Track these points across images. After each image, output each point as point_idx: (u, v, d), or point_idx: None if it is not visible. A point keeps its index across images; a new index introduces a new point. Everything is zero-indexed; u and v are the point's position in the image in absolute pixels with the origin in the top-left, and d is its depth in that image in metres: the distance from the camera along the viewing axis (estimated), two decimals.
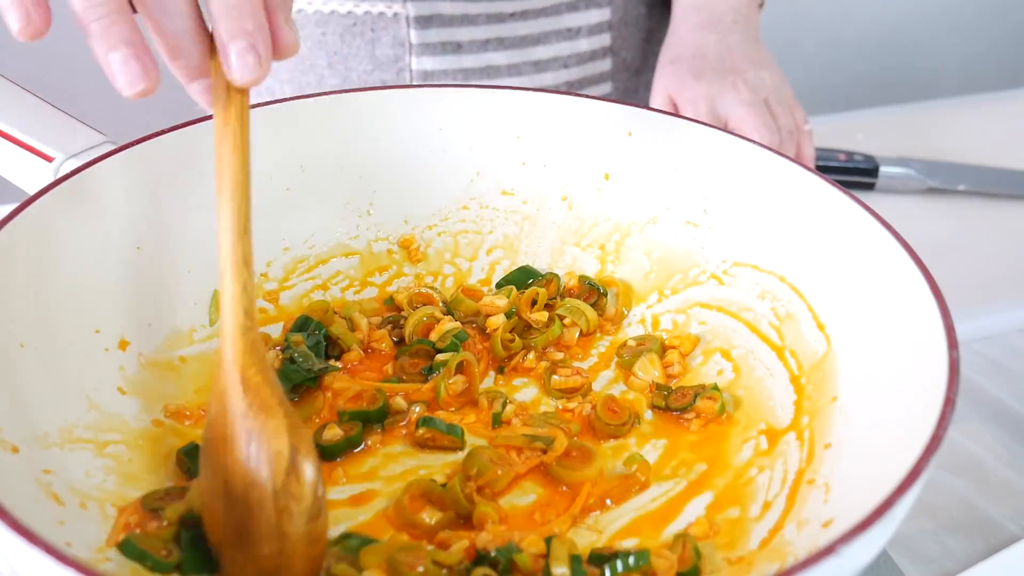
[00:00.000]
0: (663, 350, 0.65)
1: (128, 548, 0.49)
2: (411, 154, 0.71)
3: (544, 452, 0.57)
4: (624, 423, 0.60)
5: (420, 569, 0.49)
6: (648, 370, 0.63)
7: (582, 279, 0.69)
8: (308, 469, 0.47)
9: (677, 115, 0.70)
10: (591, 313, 0.67)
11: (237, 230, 0.49)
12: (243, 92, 0.49)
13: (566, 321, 0.66)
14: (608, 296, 0.68)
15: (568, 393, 0.63)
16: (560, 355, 0.65)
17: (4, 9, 0.47)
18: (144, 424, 0.58)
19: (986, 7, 2.20)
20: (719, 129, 0.68)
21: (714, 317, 0.66)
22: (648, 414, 0.62)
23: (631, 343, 0.66)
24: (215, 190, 0.49)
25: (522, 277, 0.69)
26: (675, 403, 0.61)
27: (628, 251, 0.70)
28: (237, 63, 0.47)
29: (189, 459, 0.56)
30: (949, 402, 0.47)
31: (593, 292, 0.68)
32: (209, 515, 0.50)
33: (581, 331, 0.67)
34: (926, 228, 1.00)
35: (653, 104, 0.91)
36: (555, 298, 0.69)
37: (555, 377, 0.63)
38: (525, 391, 0.64)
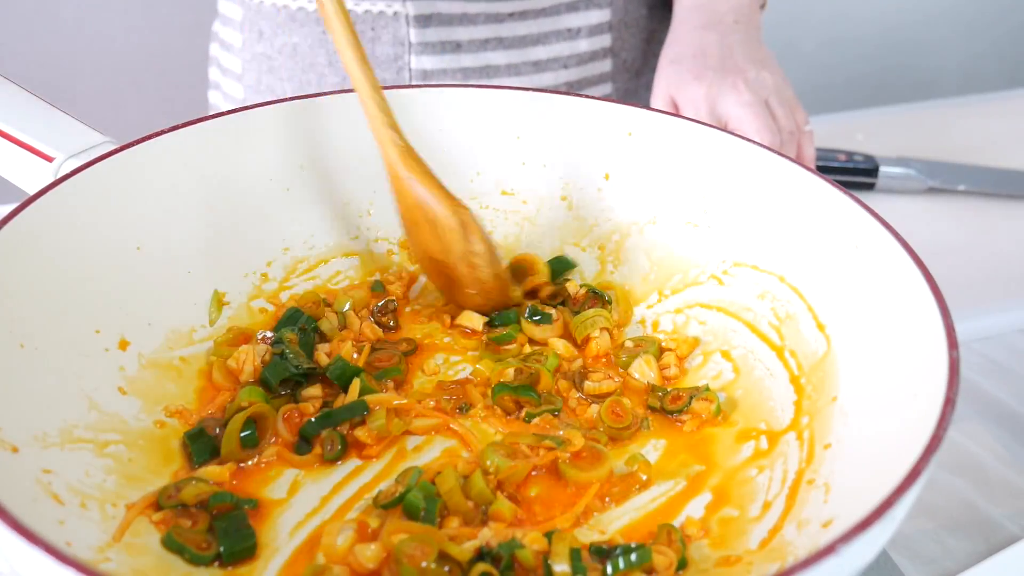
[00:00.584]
0: (660, 352, 0.65)
1: (169, 542, 0.52)
2: None
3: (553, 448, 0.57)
4: (627, 427, 0.60)
5: (424, 564, 0.49)
6: (644, 372, 0.63)
7: (584, 287, 0.68)
8: (476, 232, 0.64)
9: (677, 115, 0.70)
10: (608, 314, 0.66)
11: (358, 58, 0.64)
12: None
13: (593, 334, 0.65)
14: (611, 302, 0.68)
15: (602, 398, 0.62)
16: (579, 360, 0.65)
17: None
18: (144, 424, 0.58)
19: (986, 7, 2.20)
20: (719, 129, 0.68)
21: (714, 317, 0.66)
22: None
23: (628, 344, 0.66)
24: (330, 35, 0.64)
25: (558, 267, 0.70)
26: (670, 405, 0.61)
27: (628, 251, 0.70)
28: None
29: (193, 442, 0.57)
30: (949, 402, 0.47)
31: (598, 299, 0.68)
32: (430, 274, 0.68)
33: (609, 331, 0.66)
34: (926, 228, 1.00)
35: (654, 104, 0.91)
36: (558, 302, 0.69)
37: (587, 383, 0.63)
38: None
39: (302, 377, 0.61)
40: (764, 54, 0.92)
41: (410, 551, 0.50)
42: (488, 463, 0.55)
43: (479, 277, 0.65)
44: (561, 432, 0.59)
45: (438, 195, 0.63)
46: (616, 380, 0.63)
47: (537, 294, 0.69)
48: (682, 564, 0.51)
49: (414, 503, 0.53)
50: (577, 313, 0.67)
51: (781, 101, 0.87)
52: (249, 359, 0.61)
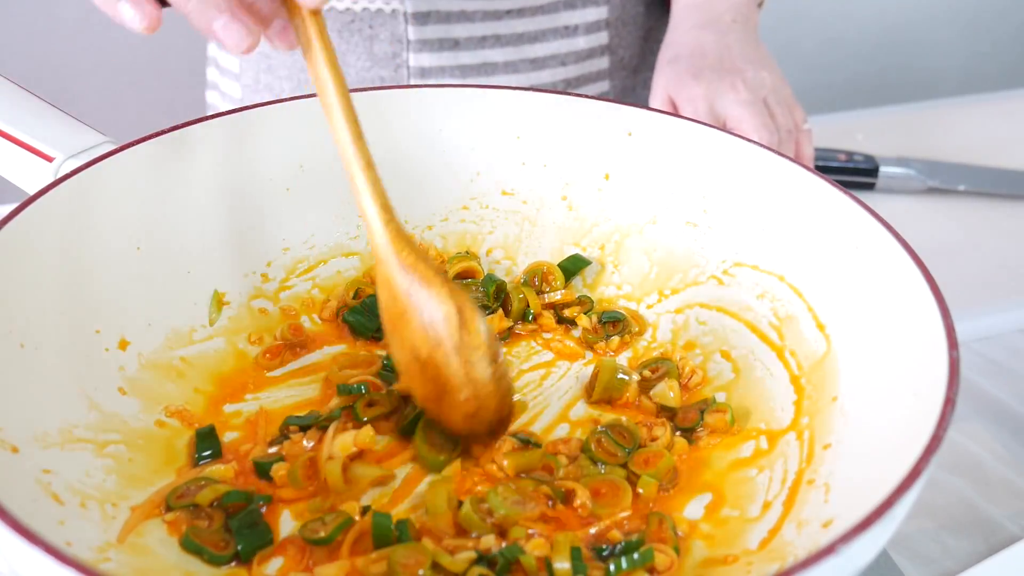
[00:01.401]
0: (680, 373, 0.64)
1: (187, 544, 0.52)
2: (411, 154, 0.71)
3: (555, 502, 0.55)
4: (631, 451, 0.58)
5: (420, 572, 0.49)
6: (667, 397, 0.62)
7: (600, 316, 0.68)
8: (477, 322, 0.53)
9: (677, 115, 0.70)
10: (631, 377, 0.63)
11: (353, 135, 0.55)
12: (316, 16, 0.55)
13: (624, 380, 0.63)
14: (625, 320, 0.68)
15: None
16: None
17: (121, 9, 0.55)
18: (144, 424, 0.58)
19: (986, 7, 2.20)
20: (719, 129, 0.68)
21: (714, 317, 0.66)
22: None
23: (647, 373, 0.64)
24: (322, 108, 0.55)
25: (574, 265, 0.70)
26: (683, 423, 0.60)
27: (628, 251, 0.70)
28: None
29: (202, 441, 0.57)
30: (949, 402, 0.47)
31: (617, 324, 0.67)
32: (409, 382, 0.56)
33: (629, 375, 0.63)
34: (926, 228, 1.00)
35: (652, 103, 0.91)
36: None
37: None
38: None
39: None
40: (762, 53, 0.92)
41: (404, 560, 0.49)
42: (492, 504, 0.53)
43: (475, 377, 0.54)
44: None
45: (434, 281, 0.54)
46: (667, 428, 0.60)
47: (558, 310, 0.68)
48: (674, 549, 0.52)
49: (382, 531, 0.51)
50: (593, 342, 0.66)
51: (779, 100, 0.87)
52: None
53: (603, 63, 1.05)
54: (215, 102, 1.12)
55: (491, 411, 0.55)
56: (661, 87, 0.90)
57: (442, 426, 0.57)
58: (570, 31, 1.02)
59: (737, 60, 0.89)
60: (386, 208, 0.55)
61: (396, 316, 0.55)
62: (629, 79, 1.09)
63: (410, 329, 0.55)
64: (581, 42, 1.03)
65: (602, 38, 1.04)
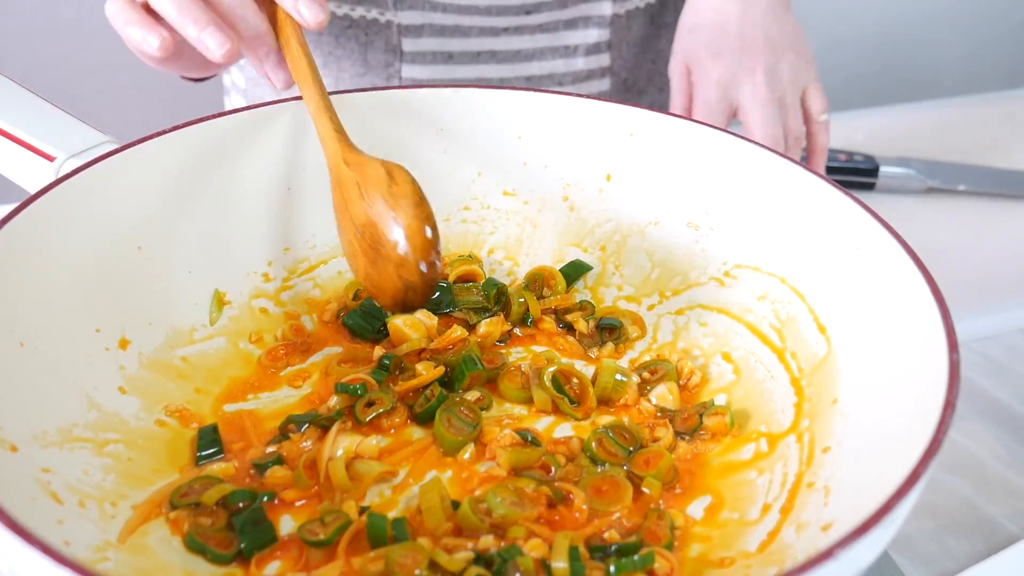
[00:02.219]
0: (678, 375, 0.64)
1: (191, 543, 0.52)
2: (412, 154, 0.70)
3: (553, 504, 0.55)
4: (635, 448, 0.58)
5: (417, 572, 0.49)
6: (666, 399, 0.62)
7: (597, 322, 0.67)
8: (403, 175, 0.60)
9: (678, 116, 0.70)
10: (630, 379, 0.63)
11: (317, 82, 0.66)
12: (297, 33, 0.67)
13: (623, 381, 0.62)
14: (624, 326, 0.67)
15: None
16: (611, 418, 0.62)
17: (206, 37, 0.64)
18: (144, 423, 0.58)
19: (986, 7, 2.20)
20: (720, 130, 0.68)
21: (715, 319, 0.66)
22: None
23: (646, 375, 0.64)
24: (298, 83, 0.67)
25: (575, 271, 0.70)
26: (682, 427, 0.60)
27: (629, 252, 0.70)
28: (307, 12, 0.66)
29: (205, 440, 0.57)
30: (949, 405, 0.47)
31: (614, 331, 0.67)
32: (353, 260, 0.62)
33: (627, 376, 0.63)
34: (926, 228, 1.00)
35: (670, 72, 0.88)
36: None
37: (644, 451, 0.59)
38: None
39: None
40: (788, 29, 0.88)
41: (401, 559, 0.49)
42: (490, 504, 0.53)
43: (401, 220, 0.59)
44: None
45: (372, 161, 0.61)
46: (668, 430, 0.60)
47: (559, 315, 0.68)
48: (668, 545, 0.52)
49: (376, 531, 0.51)
50: (589, 346, 0.66)
51: (795, 99, 0.85)
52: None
53: (603, 85, 1.04)
54: (226, 82, 1.12)
55: (419, 244, 0.59)
56: (680, 57, 0.87)
57: (381, 300, 0.62)
58: (570, 51, 1.01)
59: (759, 39, 0.85)
60: (338, 128, 0.64)
61: (342, 203, 0.62)
62: (631, 101, 1.08)
63: (353, 205, 0.61)
64: (580, 63, 1.01)
65: (603, 60, 1.02)
